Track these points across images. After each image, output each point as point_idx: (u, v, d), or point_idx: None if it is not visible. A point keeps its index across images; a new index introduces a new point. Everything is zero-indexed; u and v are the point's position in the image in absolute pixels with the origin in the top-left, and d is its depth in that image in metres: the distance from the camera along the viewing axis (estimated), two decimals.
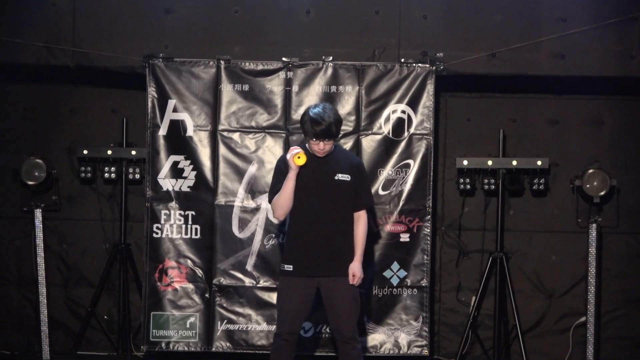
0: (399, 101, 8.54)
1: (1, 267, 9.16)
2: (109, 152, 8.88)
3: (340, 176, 6.81)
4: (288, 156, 6.73)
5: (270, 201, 6.87)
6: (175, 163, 8.54)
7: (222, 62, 8.54)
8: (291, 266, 6.79)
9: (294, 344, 6.80)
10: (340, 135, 8.41)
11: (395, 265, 8.50)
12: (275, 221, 8.34)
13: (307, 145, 6.82)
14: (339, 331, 6.80)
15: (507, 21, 8.67)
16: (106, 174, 8.91)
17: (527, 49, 8.60)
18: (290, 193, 6.74)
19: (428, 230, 8.51)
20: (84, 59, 8.70)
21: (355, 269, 6.79)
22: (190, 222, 8.54)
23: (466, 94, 9.13)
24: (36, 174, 8.84)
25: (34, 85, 9.18)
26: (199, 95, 8.56)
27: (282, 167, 6.83)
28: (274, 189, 6.83)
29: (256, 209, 8.53)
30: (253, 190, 8.53)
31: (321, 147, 6.74)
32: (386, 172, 8.53)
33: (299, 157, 6.69)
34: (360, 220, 6.87)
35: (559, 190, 9.00)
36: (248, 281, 8.52)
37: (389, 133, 8.54)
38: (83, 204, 9.15)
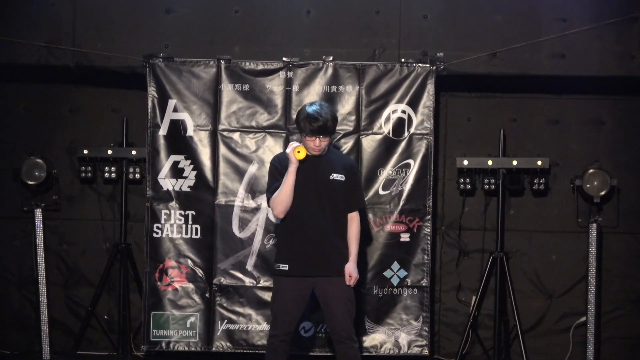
0: (399, 101, 8.54)
1: (1, 267, 9.15)
2: (109, 152, 8.88)
3: (335, 176, 6.82)
4: (288, 150, 6.74)
5: (268, 200, 6.87)
6: (176, 163, 8.54)
7: (222, 61, 8.54)
8: (287, 265, 6.78)
9: (289, 343, 6.81)
10: (340, 135, 8.45)
11: (395, 265, 8.50)
12: (274, 220, 8.34)
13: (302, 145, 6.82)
14: (335, 331, 6.80)
15: (507, 21, 8.67)
16: (106, 174, 8.91)
17: (527, 49, 8.60)
18: (291, 187, 6.73)
19: (428, 230, 8.51)
20: (84, 58, 8.70)
21: (352, 270, 6.79)
22: (190, 221, 8.53)
23: (466, 94, 9.13)
24: (36, 173, 8.84)
25: (34, 85, 9.18)
26: (199, 95, 8.55)
27: (277, 166, 6.84)
28: (272, 187, 6.83)
29: (256, 209, 8.52)
30: (253, 190, 8.53)
31: (317, 143, 6.74)
32: (386, 172, 8.53)
33: (298, 152, 6.70)
34: (354, 221, 6.87)
35: (559, 190, 9.00)
36: (248, 281, 8.52)
37: (389, 133, 8.54)
38: (83, 203, 9.14)
